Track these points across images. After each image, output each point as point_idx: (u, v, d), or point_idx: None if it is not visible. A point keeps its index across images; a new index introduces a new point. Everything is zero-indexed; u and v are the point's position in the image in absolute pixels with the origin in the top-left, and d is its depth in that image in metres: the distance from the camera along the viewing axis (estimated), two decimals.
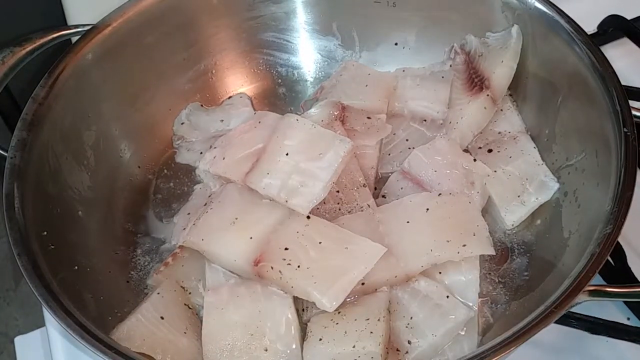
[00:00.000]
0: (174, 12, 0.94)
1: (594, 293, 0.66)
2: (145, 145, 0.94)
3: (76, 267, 0.77)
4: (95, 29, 0.88)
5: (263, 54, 1.03)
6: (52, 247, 0.74)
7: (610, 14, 1.05)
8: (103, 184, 0.88)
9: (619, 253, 0.82)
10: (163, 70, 0.96)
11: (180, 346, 0.74)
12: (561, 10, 0.85)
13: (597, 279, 0.69)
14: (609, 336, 0.77)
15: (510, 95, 0.94)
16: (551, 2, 0.86)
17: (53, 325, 0.84)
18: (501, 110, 0.93)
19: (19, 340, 0.93)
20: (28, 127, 0.79)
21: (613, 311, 0.81)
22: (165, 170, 0.95)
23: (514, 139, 0.90)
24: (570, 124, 0.85)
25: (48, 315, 0.84)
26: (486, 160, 0.87)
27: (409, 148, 0.90)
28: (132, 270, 0.85)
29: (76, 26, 0.90)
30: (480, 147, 0.90)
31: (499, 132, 0.91)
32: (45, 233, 0.75)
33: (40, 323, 0.89)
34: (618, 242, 0.74)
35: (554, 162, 0.87)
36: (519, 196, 0.85)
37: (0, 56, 0.83)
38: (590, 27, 0.86)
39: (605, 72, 0.79)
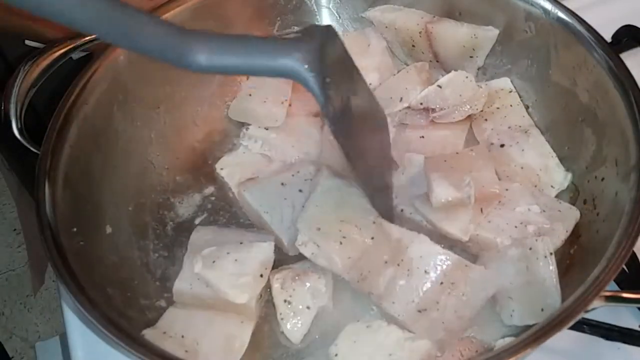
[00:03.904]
0: (206, 16, 0.95)
1: (610, 298, 0.67)
2: (173, 148, 0.95)
3: (104, 263, 0.79)
4: None
5: None
6: (82, 243, 0.76)
7: (624, 24, 1.08)
8: (132, 184, 0.89)
9: (632, 260, 0.82)
10: (191, 74, 0.96)
11: None
12: (582, 20, 0.87)
13: (611, 286, 0.67)
14: (623, 342, 0.78)
15: (518, 93, 0.95)
16: (572, 12, 0.88)
17: (73, 331, 0.84)
18: (510, 105, 0.94)
19: (39, 346, 0.93)
20: (59, 128, 0.81)
21: (626, 318, 0.81)
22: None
23: (526, 132, 0.91)
24: (591, 132, 0.85)
25: (69, 320, 0.85)
26: (499, 155, 0.89)
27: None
28: (158, 268, 0.86)
29: None
30: (492, 143, 0.91)
31: (509, 127, 0.92)
32: (75, 230, 0.76)
33: (60, 329, 0.88)
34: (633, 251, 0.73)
35: (574, 170, 0.88)
36: (535, 186, 0.86)
37: (33, 59, 0.86)
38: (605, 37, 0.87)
39: (625, 79, 0.80)
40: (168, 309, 0.78)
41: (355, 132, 0.73)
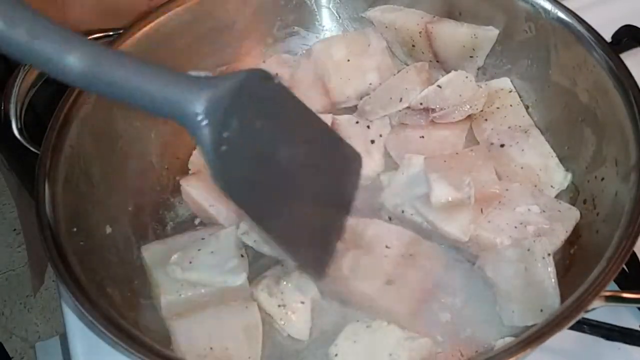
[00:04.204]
0: (207, 16, 0.96)
1: (610, 298, 0.67)
2: (173, 148, 0.95)
3: (104, 263, 0.79)
4: (127, 32, 0.90)
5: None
6: (82, 243, 0.76)
7: (624, 24, 1.08)
8: (132, 184, 0.89)
9: (632, 260, 0.82)
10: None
11: None
12: (582, 20, 0.87)
13: (611, 286, 0.68)
14: (624, 342, 0.78)
15: (518, 93, 0.95)
16: (572, 12, 0.88)
17: (73, 331, 0.84)
18: (510, 105, 0.94)
19: (39, 346, 0.93)
20: (59, 128, 0.81)
21: (626, 318, 0.81)
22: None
23: (526, 132, 0.91)
24: (591, 132, 0.86)
25: (69, 320, 0.85)
26: (499, 155, 0.89)
27: None
28: None
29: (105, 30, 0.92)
30: (492, 143, 0.91)
31: (509, 127, 0.92)
32: (75, 230, 0.76)
33: (60, 329, 0.88)
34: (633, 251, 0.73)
35: (574, 170, 0.88)
36: (535, 186, 0.86)
37: None
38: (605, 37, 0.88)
39: (625, 79, 0.80)
40: (170, 325, 0.77)
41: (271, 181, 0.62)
